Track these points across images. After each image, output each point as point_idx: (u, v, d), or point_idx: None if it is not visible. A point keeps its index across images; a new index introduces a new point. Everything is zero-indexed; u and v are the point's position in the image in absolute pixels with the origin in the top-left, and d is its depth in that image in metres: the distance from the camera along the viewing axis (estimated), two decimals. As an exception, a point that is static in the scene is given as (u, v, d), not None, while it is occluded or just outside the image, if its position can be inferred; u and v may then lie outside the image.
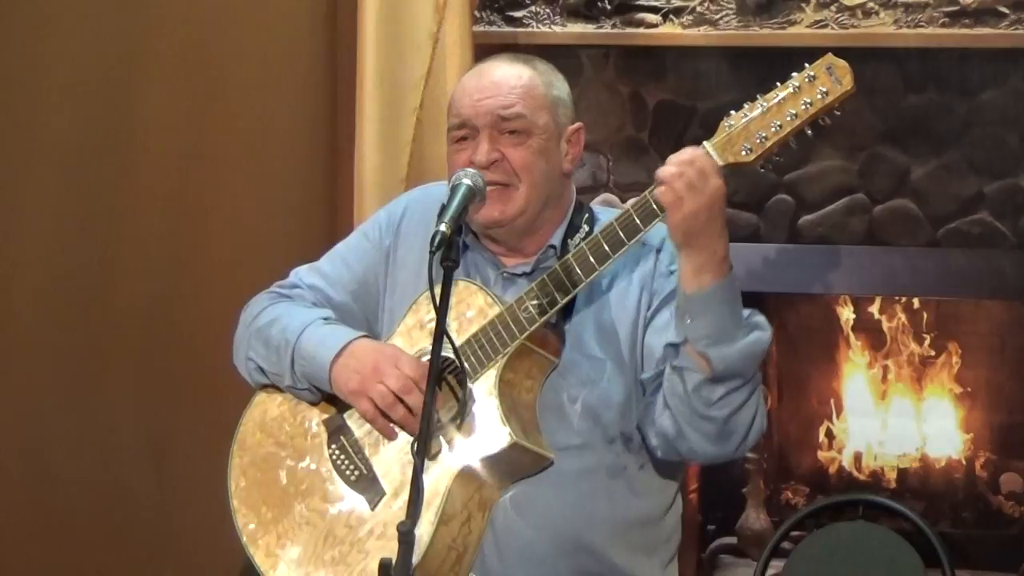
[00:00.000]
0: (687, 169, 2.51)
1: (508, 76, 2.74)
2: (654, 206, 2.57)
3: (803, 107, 2.55)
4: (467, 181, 2.60)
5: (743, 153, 2.56)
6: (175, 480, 3.89)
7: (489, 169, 2.68)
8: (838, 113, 2.58)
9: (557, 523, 2.68)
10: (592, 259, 2.62)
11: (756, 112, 2.56)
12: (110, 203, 3.83)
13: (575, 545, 2.68)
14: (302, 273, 2.93)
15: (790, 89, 2.55)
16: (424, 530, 2.56)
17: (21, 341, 3.76)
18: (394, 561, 2.33)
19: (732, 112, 2.58)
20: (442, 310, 2.44)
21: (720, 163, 2.55)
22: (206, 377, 3.72)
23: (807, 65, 2.57)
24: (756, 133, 2.55)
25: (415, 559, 2.45)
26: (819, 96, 2.55)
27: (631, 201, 2.64)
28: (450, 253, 2.49)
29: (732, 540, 4.72)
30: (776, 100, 2.55)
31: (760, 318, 2.63)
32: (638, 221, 2.59)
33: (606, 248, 2.61)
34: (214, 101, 3.92)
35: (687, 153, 2.55)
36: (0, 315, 3.75)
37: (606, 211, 2.87)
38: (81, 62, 3.76)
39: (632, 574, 2.73)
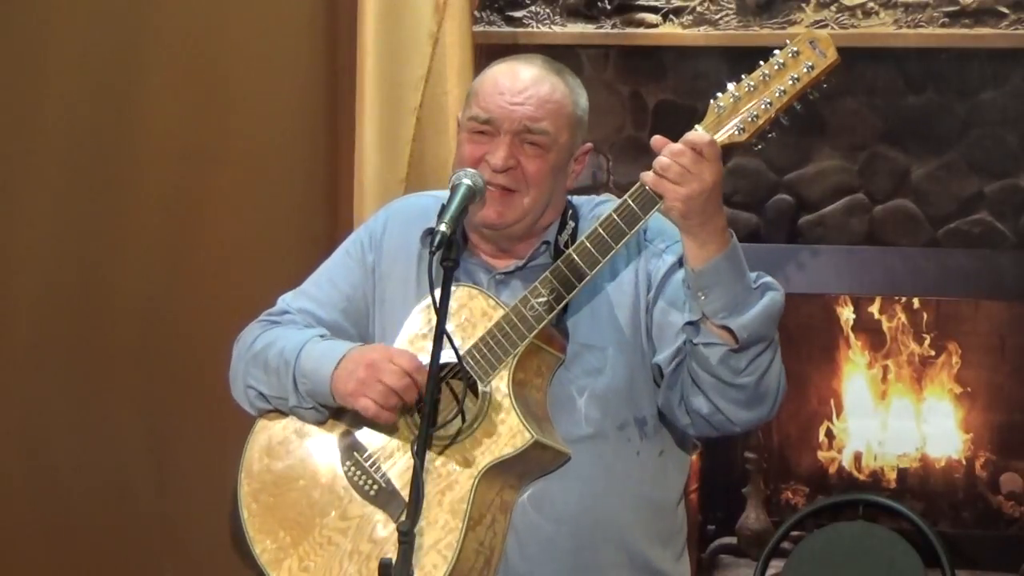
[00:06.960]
0: (680, 158, 2.52)
1: (543, 87, 2.72)
2: (652, 193, 2.58)
3: (791, 82, 2.55)
4: (467, 181, 2.61)
5: (736, 133, 2.57)
6: (175, 480, 3.89)
7: (502, 173, 2.69)
8: (825, 86, 2.58)
9: (576, 515, 2.68)
10: (595, 252, 2.62)
11: (744, 91, 2.57)
12: (110, 203, 3.82)
13: (596, 536, 2.69)
14: (288, 299, 2.91)
15: (775, 66, 2.55)
16: (454, 536, 2.57)
17: (21, 341, 3.76)
18: (394, 561, 2.34)
19: (719, 94, 2.58)
20: (442, 310, 2.45)
21: None
22: (206, 377, 3.71)
23: (788, 42, 2.57)
24: (747, 112, 2.56)
25: (448, 567, 2.52)
26: (805, 70, 2.55)
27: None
28: (450, 253, 2.49)
29: (732, 540, 4.73)
30: (763, 78, 2.56)
31: (769, 279, 2.64)
32: (637, 209, 2.60)
33: (608, 240, 2.61)
34: (214, 101, 3.91)
35: (680, 144, 2.55)
36: (0, 314, 3.75)
37: (583, 201, 2.87)
38: (81, 62, 3.76)
39: (651, 563, 2.75)
